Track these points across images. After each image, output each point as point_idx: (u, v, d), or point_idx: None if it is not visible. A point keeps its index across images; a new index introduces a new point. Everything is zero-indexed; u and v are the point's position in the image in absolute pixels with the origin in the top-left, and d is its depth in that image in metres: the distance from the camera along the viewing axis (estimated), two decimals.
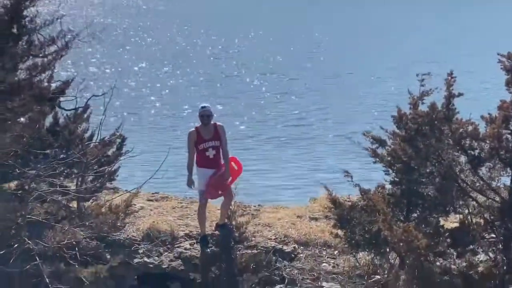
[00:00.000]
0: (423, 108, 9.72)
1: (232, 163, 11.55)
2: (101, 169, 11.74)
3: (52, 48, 11.28)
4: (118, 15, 78.28)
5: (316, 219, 12.73)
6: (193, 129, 11.27)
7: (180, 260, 11.33)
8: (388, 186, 10.37)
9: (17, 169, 10.51)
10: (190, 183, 11.23)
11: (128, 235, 11.71)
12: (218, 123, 11.32)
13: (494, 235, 9.42)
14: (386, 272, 10.39)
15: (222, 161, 11.31)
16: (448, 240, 9.39)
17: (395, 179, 10.28)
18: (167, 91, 38.53)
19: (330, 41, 61.43)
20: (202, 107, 11.22)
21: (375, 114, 31.44)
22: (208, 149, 11.16)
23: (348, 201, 11.11)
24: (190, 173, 11.19)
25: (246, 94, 38.13)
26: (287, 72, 45.10)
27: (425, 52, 53.78)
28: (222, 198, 11.60)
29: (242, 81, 42.48)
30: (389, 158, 10.26)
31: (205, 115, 11.09)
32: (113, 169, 12.23)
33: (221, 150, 11.26)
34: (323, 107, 35.16)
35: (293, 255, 11.48)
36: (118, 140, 12.26)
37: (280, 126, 31.10)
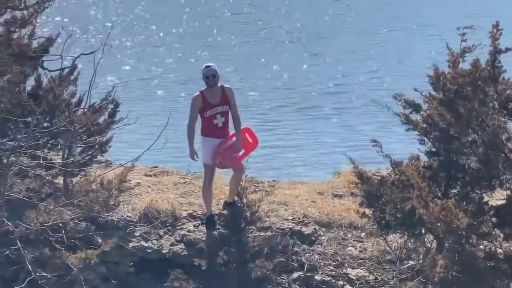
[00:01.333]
0: (464, 66, 9.60)
1: (246, 134, 11.55)
2: (91, 139, 11.78)
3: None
4: None
5: (340, 196, 12.71)
6: (198, 93, 11.27)
7: (182, 244, 11.40)
8: (423, 157, 10.35)
9: None
10: (192, 155, 11.27)
11: (122, 216, 11.77)
12: (225, 85, 11.34)
13: None
14: (421, 257, 10.45)
15: (231, 131, 11.33)
16: (494, 219, 9.28)
17: (432, 149, 10.29)
18: (172, 51, 38.66)
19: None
20: (206, 67, 11.20)
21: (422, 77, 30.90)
22: (216, 116, 11.18)
23: (377, 175, 11.07)
24: (191, 143, 11.23)
25: (268, 58, 37.96)
26: (316, 32, 44.78)
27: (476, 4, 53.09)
28: (231, 171, 11.57)
29: (266, 43, 42.31)
30: (424, 125, 10.23)
31: (210, 75, 11.07)
32: (104, 139, 12.25)
33: (230, 117, 11.26)
34: (359, 70, 34.63)
35: (313, 238, 11.51)
36: (111, 106, 12.28)
37: (306, 93, 30.76)
